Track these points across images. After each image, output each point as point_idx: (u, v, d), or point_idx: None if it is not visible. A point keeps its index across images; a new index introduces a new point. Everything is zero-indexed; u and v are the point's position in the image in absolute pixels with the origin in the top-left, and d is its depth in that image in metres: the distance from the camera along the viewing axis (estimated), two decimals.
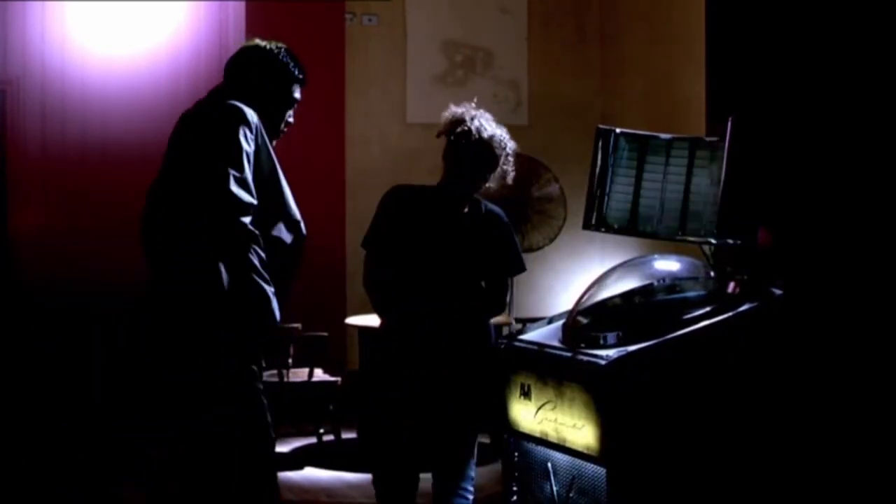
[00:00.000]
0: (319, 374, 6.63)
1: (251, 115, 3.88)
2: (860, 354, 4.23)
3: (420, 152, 7.56)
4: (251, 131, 3.84)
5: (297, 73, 4.13)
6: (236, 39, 7.64)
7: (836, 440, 4.21)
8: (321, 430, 6.86)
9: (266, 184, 3.88)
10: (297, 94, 4.16)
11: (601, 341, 4.06)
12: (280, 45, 4.17)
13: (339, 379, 6.69)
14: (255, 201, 3.79)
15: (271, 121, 4.05)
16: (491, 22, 8.57)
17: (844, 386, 4.22)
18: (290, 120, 4.17)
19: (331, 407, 6.67)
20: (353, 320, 6.84)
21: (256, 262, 3.78)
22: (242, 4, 7.53)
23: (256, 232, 3.78)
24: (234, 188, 3.72)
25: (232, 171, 3.73)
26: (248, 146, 3.81)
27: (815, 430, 4.18)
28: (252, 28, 7.47)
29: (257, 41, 4.17)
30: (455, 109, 4.32)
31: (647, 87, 8.26)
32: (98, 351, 7.38)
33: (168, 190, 3.92)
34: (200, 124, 3.93)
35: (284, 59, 4.11)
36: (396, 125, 8.20)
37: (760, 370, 4.07)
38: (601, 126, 4.80)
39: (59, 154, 7.50)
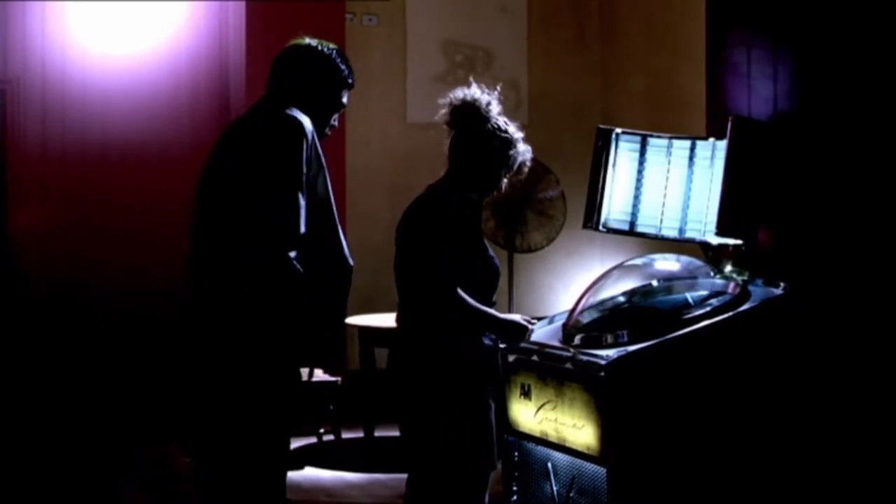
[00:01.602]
0: (319, 374, 6.63)
1: (308, 127, 3.74)
2: (861, 354, 4.23)
3: (420, 152, 7.55)
4: (308, 148, 3.71)
5: (347, 77, 3.98)
6: (236, 39, 7.65)
7: (837, 440, 4.21)
8: (321, 430, 6.86)
9: (317, 202, 3.77)
10: (345, 100, 4.00)
11: (601, 341, 4.06)
12: (332, 45, 4.00)
13: (339, 379, 6.69)
14: (303, 230, 3.69)
15: (317, 124, 3.90)
16: (491, 22, 8.57)
17: (845, 386, 4.22)
18: (335, 124, 4.02)
19: (331, 407, 6.67)
20: (353, 320, 6.84)
21: (293, 301, 3.69)
22: (242, 4, 7.52)
23: (299, 268, 3.69)
24: (285, 219, 3.63)
25: (286, 200, 3.63)
26: (306, 168, 3.69)
27: (816, 430, 4.18)
28: (252, 28, 7.47)
29: (308, 40, 4.00)
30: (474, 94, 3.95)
31: (647, 87, 8.26)
32: (98, 349, 7.38)
33: (221, 204, 3.79)
34: (259, 138, 3.77)
35: (337, 62, 3.96)
36: (396, 125, 8.20)
37: (760, 370, 4.07)
38: (601, 126, 4.80)
39: (59, 154, 7.51)
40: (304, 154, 3.72)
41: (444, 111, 3.96)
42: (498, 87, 4.01)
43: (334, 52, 3.99)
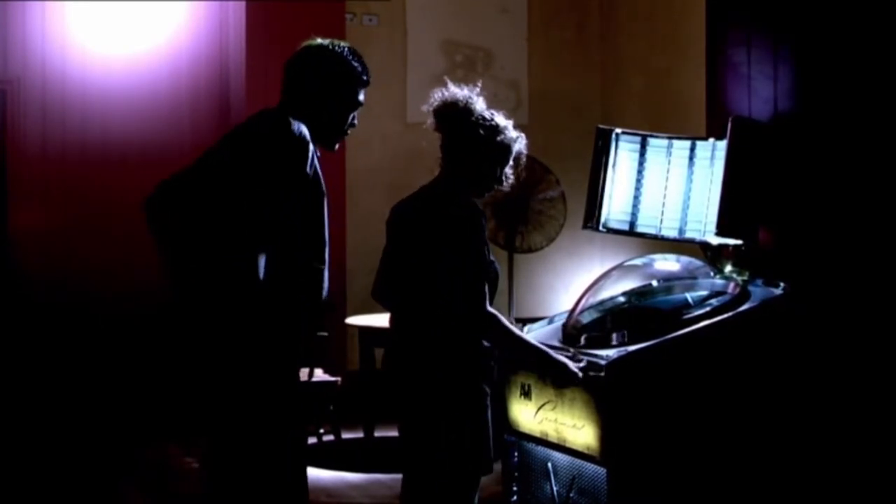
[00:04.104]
0: (319, 374, 6.63)
1: (303, 140, 3.70)
2: (861, 354, 4.23)
3: (420, 152, 7.53)
4: (302, 161, 3.68)
5: (362, 74, 3.94)
6: (236, 39, 7.66)
7: (837, 440, 4.21)
8: (321, 430, 6.86)
9: (306, 213, 3.72)
10: (362, 97, 3.96)
11: (601, 341, 4.06)
12: (343, 43, 3.95)
13: (339, 379, 6.69)
14: (271, 241, 3.66)
15: (334, 124, 3.88)
16: (491, 22, 8.57)
17: (845, 386, 4.22)
18: (355, 123, 3.98)
19: (331, 407, 6.67)
20: (353, 320, 6.84)
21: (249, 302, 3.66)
22: (242, 4, 7.52)
23: (256, 271, 3.65)
24: (252, 226, 3.61)
25: (254, 208, 3.61)
26: (287, 177, 3.67)
27: (815, 430, 4.18)
28: (252, 28, 7.47)
29: (319, 40, 3.95)
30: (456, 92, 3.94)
31: (647, 87, 8.26)
32: (98, 349, 7.38)
33: (206, 207, 3.75)
34: (255, 143, 3.73)
35: (349, 59, 3.91)
36: (396, 125, 8.20)
37: (760, 370, 4.07)
38: (601, 126, 4.80)
39: (59, 154, 7.51)
40: (301, 169, 3.68)
41: (429, 119, 3.96)
42: (479, 84, 3.99)
43: (346, 49, 3.94)
